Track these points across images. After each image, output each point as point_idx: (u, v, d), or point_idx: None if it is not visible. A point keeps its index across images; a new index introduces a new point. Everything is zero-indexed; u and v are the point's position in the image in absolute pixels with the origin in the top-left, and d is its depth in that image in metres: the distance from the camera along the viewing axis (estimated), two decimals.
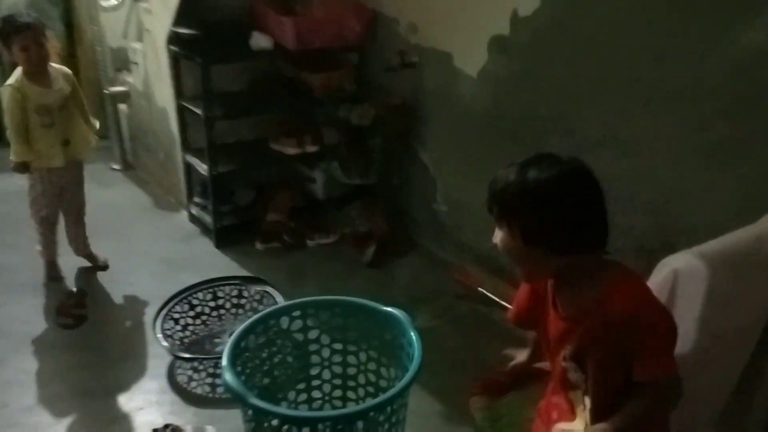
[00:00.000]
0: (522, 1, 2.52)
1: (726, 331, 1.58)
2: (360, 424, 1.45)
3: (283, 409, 1.60)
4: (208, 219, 3.31)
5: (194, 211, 3.46)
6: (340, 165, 3.38)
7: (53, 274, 2.96)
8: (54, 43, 3.18)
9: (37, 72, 2.65)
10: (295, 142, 3.37)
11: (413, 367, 1.52)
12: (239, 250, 3.21)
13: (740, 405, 1.76)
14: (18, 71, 2.65)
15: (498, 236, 1.32)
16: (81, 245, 3.03)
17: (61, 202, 2.88)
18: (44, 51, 2.63)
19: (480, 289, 2.92)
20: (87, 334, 2.60)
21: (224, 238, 3.27)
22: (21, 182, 2.89)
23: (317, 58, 3.34)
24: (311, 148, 3.39)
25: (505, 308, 2.76)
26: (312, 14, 3.20)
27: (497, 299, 2.83)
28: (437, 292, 2.95)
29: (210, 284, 2.63)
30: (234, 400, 1.48)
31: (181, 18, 3.13)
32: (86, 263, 3.06)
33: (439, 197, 3.23)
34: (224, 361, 1.53)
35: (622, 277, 1.27)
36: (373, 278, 3.04)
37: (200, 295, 2.60)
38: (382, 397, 1.46)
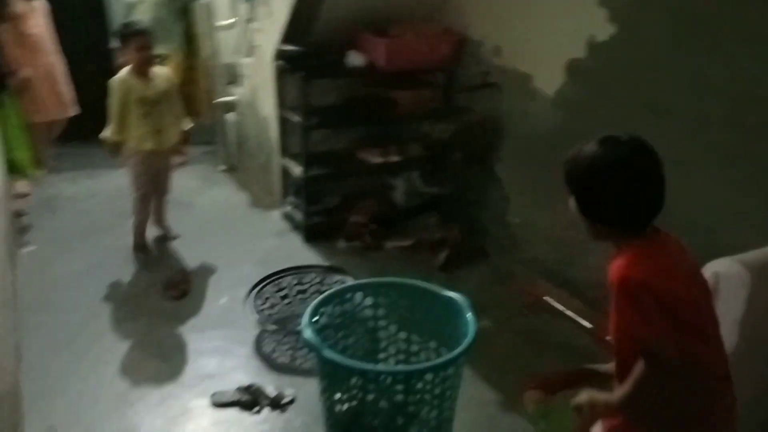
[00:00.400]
0: (600, 27, 2.71)
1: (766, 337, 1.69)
2: (416, 383, 1.69)
3: (350, 361, 1.83)
4: (299, 217, 3.67)
5: (288, 209, 3.83)
6: (420, 175, 3.64)
7: (141, 244, 3.48)
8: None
9: (143, 70, 3.21)
10: (380, 153, 3.69)
11: (466, 341, 1.74)
12: (324, 246, 3.54)
13: None
14: (126, 69, 3.22)
15: (569, 202, 1.43)
16: (161, 218, 3.59)
17: (155, 183, 3.42)
18: (151, 53, 3.23)
19: (546, 298, 3.08)
20: (189, 306, 2.99)
21: (312, 234, 3.61)
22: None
23: (406, 77, 3.66)
24: (394, 159, 3.69)
25: (569, 318, 2.93)
26: (404, 37, 3.50)
27: (562, 309, 2.98)
28: (503, 298, 3.13)
29: (297, 270, 2.96)
30: (311, 352, 1.75)
31: (287, 36, 3.53)
32: (159, 234, 3.61)
33: (512, 210, 3.42)
34: (305, 320, 1.81)
35: (631, 249, 1.33)
36: (444, 280, 3.24)
37: (288, 279, 2.93)
38: (435, 361, 1.69)
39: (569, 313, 2.93)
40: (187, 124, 3.49)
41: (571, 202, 1.41)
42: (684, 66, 2.38)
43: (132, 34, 3.18)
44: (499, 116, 3.39)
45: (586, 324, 2.83)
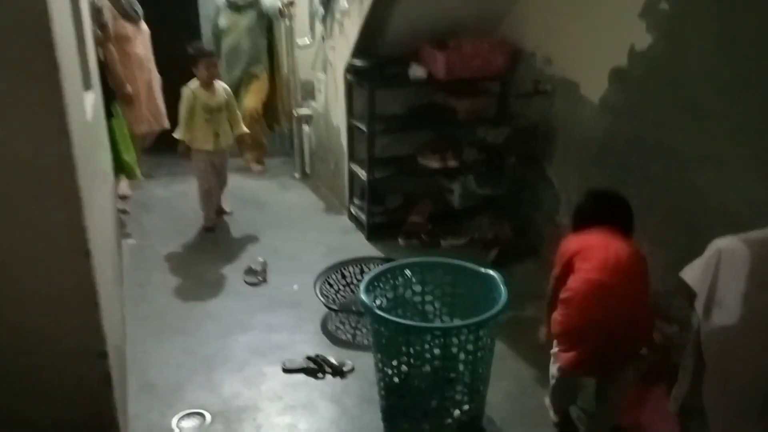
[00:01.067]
0: (639, 36, 2.90)
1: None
2: (453, 339, 1.96)
3: (397, 318, 2.10)
4: (363, 217, 4.01)
5: (353, 210, 4.19)
6: (475, 178, 3.90)
7: (209, 226, 4.13)
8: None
9: (209, 83, 3.93)
10: (439, 158, 3.98)
11: (497, 307, 2.00)
12: (385, 243, 3.86)
13: None
14: (195, 81, 3.91)
15: None
16: (218, 201, 4.28)
17: (216, 177, 4.10)
18: (216, 70, 4.01)
19: None
20: (265, 290, 3.38)
21: (374, 232, 3.95)
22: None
23: (464, 87, 3.94)
24: (452, 164, 3.97)
25: None
26: (461, 49, 3.79)
27: None
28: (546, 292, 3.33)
29: (359, 261, 3.29)
30: (364, 312, 2.05)
31: (357, 52, 3.90)
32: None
33: (562, 211, 3.62)
34: (362, 286, 2.12)
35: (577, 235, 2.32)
36: None
37: (351, 268, 3.26)
38: (469, 321, 1.96)
39: None
40: (241, 130, 4.17)
41: None
42: (722, 72, 2.54)
43: (204, 54, 3.91)
44: (550, 121, 3.61)
45: None
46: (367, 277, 2.21)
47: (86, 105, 2.40)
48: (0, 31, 1.48)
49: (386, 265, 2.33)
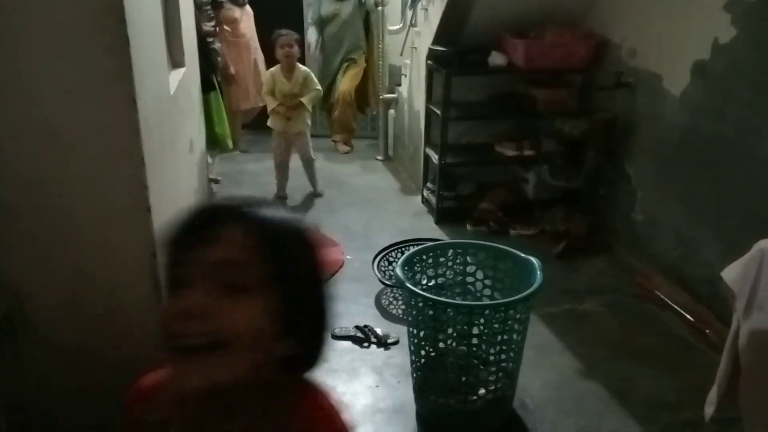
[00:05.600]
0: (723, 29, 2.76)
1: None
2: (479, 319, 2.02)
3: (426, 294, 2.12)
4: (433, 200, 4.08)
5: (425, 194, 4.27)
6: (550, 169, 3.85)
7: (280, 195, 4.47)
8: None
9: (288, 68, 4.20)
10: (515, 146, 3.97)
11: (528, 291, 2.03)
12: (452, 228, 3.92)
13: None
14: (277, 66, 4.22)
15: None
16: (310, 179, 4.56)
17: (290, 152, 4.42)
18: (293, 52, 4.17)
19: (656, 292, 3.15)
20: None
21: (443, 216, 4.01)
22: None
23: (545, 77, 3.89)
24: (528, 153, 3.95)
25: (673, 310, 3.00)
26: (543, 39, 3.75)
27: (671, 303, 3.05)
28: (613, 288, 3.26)
29: (420, 241, 3.36)
30: (398, 286, 2.15)
31: (438, 38, 3.96)
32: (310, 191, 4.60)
33: (638, 208, 3.50)
34: (400, 262, 2.22)
35: None
36: (559, 267, 3.46)
37: (411, 247, 3.34)
38: (498, 301, 2.01)
39: (675, 306, 2.99)
40: (309, 119, 4.41)
41: None
42: None
43: (279, 36, 4.16)
44: (630, 115, 3.50)
45: (689, 317, 2.88)
46: (407, 254, 2.30)
47: (170, 80, 2.66)
48: (80, 8, 1.71)
49: (428, 245, 2.40)
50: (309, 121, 4.44)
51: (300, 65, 4.32)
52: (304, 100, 4.25)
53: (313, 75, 4.39)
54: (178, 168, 2.72)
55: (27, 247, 1.89)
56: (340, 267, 3.47)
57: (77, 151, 1.83)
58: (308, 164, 4.52)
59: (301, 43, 4.30)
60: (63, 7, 1.70)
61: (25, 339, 1.97)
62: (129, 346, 2.08)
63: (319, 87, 4.42)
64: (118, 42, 1.76)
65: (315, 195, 4.56)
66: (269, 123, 4.35)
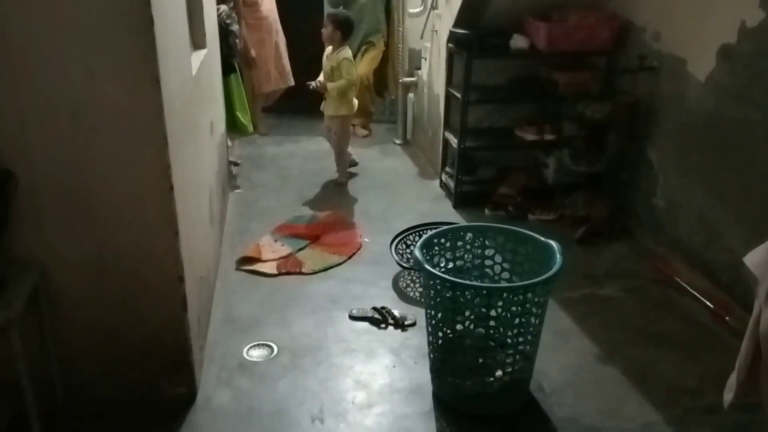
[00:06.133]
0: (751, 13, 2.70)
1: None
2: (497, 301, 2.02)
3: (444, 275, 2.12)
4: (452, 184, 4.07)
5: (444, 178, 4.26)
6: (571, 154, 3.82)
7: (339, 182, 4.48)
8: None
9: (333, 48, 4.22)
10: (536, 130, 3.94)
11: (550, 272, 2.02)
12: (470, 212, 3.91)
13: None
14: None
15: None
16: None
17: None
18: (327, 34, 4.22)
19: (677, 278, 3.12)
20: None
21: (461, 201, 4.00)
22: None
23: (567, 60, 3.85)
24: (549, 137, 3.91)
25: (694, 296, 2.97)
26: (565, 21, 3.69)
27: (691, 290, 3.02)
28: (634, 273, 3.24)
29: (437, 225, 3.35)
30: (415, 268, 2.15)
31: (459, 20, 3.92)
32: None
33: (660, 193, 3.46)
34: (418, 244, 2.22)
35: None
36: (579, 253, 3.44)
37: (429, 231, 3.34)
38: (516, 284, 2.01)
39: (695, 292, 2.96)
40: (343, 109, 4.30)
41: None
42: None
43: (324, 19, 4.19)
44: (653, 99, 3.45)
45: (709, 304, 2.86)
46: (425, 236, 2.31)
47: (192, 61, 2.67)
48: None
49: (446, 228, 2.40)
50: (343, 111, 4.30)
51: (344, 49, 4.22)
52: (330, 84, 4.19)
53: (349, 63, 4.21)
54: (200, 149, 2.74)
55: (51, 226, 1.93)
56: (358, 249, 3.48)
57: (101, 132, 1.86)
58: (334, 149, 4.49)
59: (344, 24, 4.22)
60: None
61: (50, 316, 2.02)
62: (152, 325, 2.12)
63: (350, 77, 4.18)
64: (143, 23, 1.77)
65: (353, 164, 4.66)
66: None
